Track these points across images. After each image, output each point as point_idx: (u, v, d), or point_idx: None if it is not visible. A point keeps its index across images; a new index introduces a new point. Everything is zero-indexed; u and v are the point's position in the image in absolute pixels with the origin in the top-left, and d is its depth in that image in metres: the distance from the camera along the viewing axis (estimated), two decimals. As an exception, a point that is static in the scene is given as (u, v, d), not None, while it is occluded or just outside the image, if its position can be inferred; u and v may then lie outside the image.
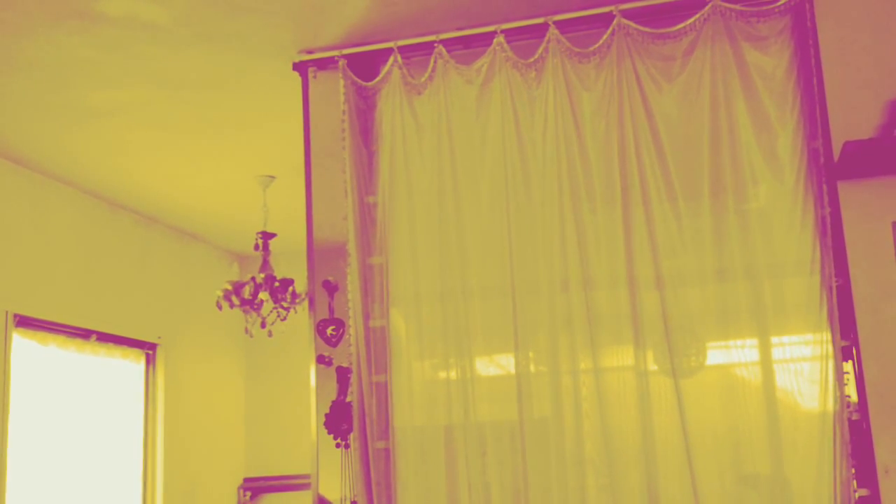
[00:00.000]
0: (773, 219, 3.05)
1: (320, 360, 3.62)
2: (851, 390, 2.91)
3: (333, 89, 3.53)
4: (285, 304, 5.01)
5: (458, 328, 3.26)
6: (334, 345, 3.74)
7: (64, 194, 5.10)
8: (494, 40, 3.33)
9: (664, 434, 3.01)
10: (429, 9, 3.37)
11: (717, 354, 3.10)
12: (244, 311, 5.02)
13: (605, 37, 3.22)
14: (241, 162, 4.92)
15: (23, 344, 4.73)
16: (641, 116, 3.16)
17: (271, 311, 5.03)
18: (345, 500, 3.64)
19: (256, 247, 5.18)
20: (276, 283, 4.99)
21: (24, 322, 4.73)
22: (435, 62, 3.40)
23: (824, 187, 3.00)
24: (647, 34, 3.19)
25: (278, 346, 5.50)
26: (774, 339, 3.02)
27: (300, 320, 4.48)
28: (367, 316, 3.37)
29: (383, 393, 3.32)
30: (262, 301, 4.99)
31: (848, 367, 2.93)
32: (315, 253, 3.59)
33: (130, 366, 5.64)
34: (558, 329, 3.16)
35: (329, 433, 3.57)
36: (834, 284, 2.94)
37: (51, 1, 3.23)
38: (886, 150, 2.89)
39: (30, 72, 3.77)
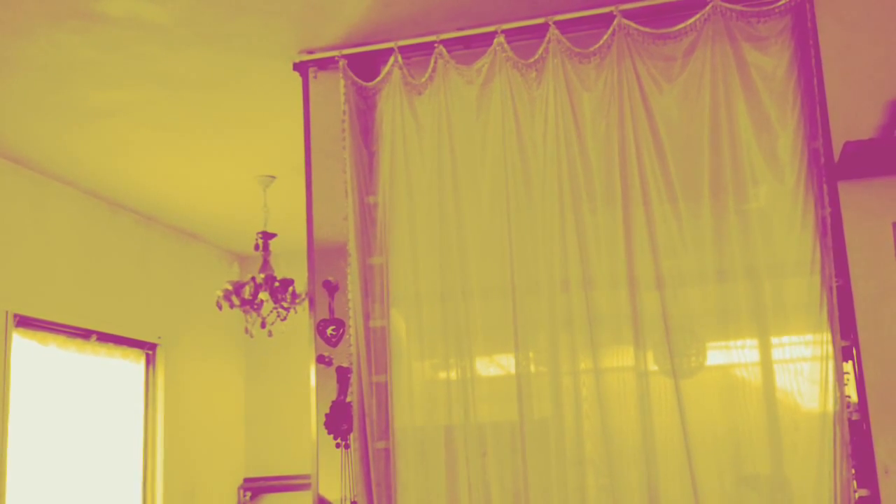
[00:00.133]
0: (774, 219, 3.05)
1: (320, 360, 3.62)
2: (851, 390, 2.91)
3: (334, 89, 3.53)
4: (285, 304, 5.01)
5: (459, 328, 3.26)
6: (334, 345, 3.74)
7: (64, 194, 5.10)
8: (495, 40, 3.34)
9: (664, 434, 3.01)
10: (429, 9, 3.37)
11: (717, 355, 3.10)
12: (244, 311, 5.02)
13: (605, 37, 3.22)
14: (241, 162, 4.92)
15: (23, 344, 4.73)
16: (642, 117, 3.16)
17: (271, 311, 5.03)
18: (345, 500, 3.63)
19: (256, 247, 5.18)
20: (277, 283, 4.99)
21: (25, 322, 4.73)
22: (435, 62, 3.40)
23: (824, 187, 3.00)
24: (648, 34, 3.19)
25: (278, 346, 5.50)
26: (774, 340, 3.02)
27: (300, 320, 4.48)
28: (367, 316, 3.37)
29: (383, 393, 3.32)
30: (262, 301, 4.99)
31: (848, 367, 2.93)
32: (315, 253, 3.60)
33: (130, 366, 5.64)
34: (558, 329, 3.16)
35: (329, 433, 3.57)
36: (834, 284, 2.94)
37: (51, 1, 3.23)
38: (887, 150, 2.89)
39: (30, 72, 3.76)
